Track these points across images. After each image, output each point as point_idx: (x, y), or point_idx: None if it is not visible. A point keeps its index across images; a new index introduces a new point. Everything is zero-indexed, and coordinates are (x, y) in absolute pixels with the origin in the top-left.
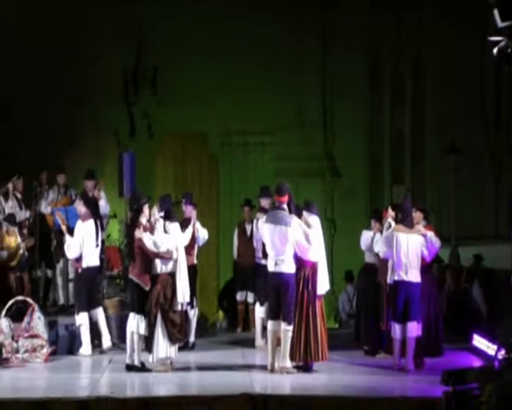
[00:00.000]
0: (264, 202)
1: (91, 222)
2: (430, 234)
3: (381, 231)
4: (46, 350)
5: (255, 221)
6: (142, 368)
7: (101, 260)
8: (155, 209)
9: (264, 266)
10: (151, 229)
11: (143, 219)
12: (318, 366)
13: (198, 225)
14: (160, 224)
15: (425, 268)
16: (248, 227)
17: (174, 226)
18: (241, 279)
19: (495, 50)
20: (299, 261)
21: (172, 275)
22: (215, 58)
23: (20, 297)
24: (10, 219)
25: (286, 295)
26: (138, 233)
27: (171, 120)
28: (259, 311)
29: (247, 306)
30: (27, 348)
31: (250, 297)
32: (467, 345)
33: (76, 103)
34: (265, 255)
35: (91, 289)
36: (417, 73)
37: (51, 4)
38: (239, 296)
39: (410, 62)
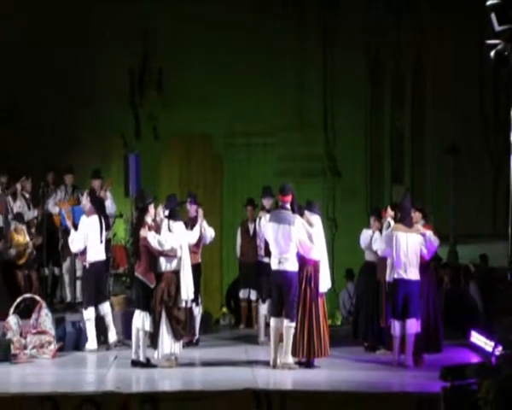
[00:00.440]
0: (267, 202)
1: (96, 218)
2: (429, 233)
3: (381, 230)
4: (53, 346)
5: (258, 220)
6: (148, 364)
7: (108, 258)
8: (161, 209)
9: (267, 264)
10: (156, 228)
11: (149, 219)
12: (319, 361)
13: (205, 224)
14: (164, 223)
15: (424, 266)
16: (251, 226)
17: (178, 225)
18: (244, 277)
19: (492, 53)
20: (302, 260)
21: (176, 273)
22: (218, 61)
23: (28, 295)
24: (18, 217)
25: (289, 293)
26: (143, 232)
27: (176, 122)
28: (262, 308)
29: (250, 303)
30: (35, 344)
31: (253, 295)
32: (465, 342)
33: (83, 106)
34: (268, 254)
35: (99, 284)
36: (417, 74)
37: (59, 7)
38: (242, 294)
39: (410, 64)
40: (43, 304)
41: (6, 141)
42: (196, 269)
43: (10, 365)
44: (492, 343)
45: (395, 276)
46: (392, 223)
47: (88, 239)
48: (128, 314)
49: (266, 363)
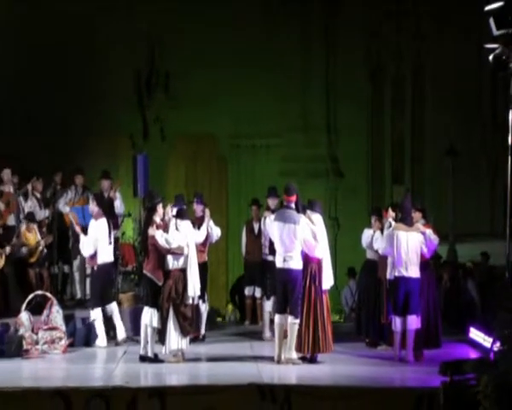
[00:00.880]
0: (272, 202)
1: (104, 220)
2: (429, 232)
3: (382, 230)
4: (64, 342)
5: (263, 219)
6: (155, 359)
7: (116, 256)
8: (169, 208)
9: (271, 262)
10: (164, 227)
11: (157, 218)
12: (322, 357)
13: (211, 223)
14: (172, 222)
15: (424, 264)
16: (256, 225)
17: (185, 224)
18: (249, 275)
19: (491, 57)
20: (306, 258)
21: (184, 271)
22: (224, 64)
23: (39, 292)
24: (30, 216)
25: (293, 291)
26: (151, 231)
27: (183, 124)
28: (267, 305)
29: (255, 300)
30: (46, 339)
31: (258, 292)
32: (464, 338)
33: (92, 108)
34: (272, 252)
35: (106, 286)
36: (417, 77)
37: (68, 12)
38: (247, 291)
39: (411, 66)
40: (54, 301)
41: (17, 142)
42: (203, 267)
43: (22, 360)
44: (491, 339)
45: (396, 274)
46: (394, 223)
47: (98, 242)
48: (137, 311)
49: (271, 358)
